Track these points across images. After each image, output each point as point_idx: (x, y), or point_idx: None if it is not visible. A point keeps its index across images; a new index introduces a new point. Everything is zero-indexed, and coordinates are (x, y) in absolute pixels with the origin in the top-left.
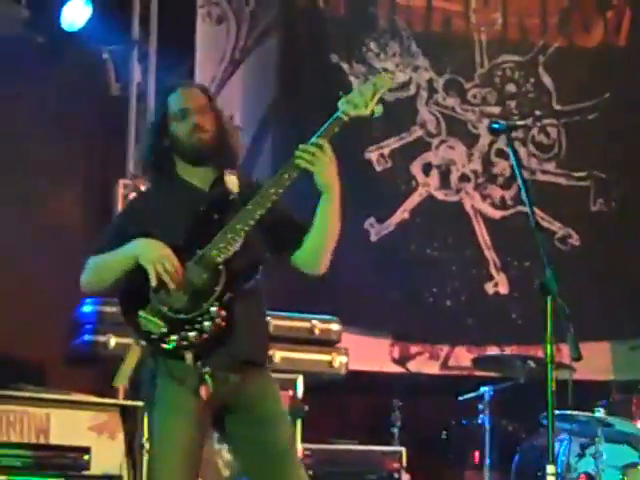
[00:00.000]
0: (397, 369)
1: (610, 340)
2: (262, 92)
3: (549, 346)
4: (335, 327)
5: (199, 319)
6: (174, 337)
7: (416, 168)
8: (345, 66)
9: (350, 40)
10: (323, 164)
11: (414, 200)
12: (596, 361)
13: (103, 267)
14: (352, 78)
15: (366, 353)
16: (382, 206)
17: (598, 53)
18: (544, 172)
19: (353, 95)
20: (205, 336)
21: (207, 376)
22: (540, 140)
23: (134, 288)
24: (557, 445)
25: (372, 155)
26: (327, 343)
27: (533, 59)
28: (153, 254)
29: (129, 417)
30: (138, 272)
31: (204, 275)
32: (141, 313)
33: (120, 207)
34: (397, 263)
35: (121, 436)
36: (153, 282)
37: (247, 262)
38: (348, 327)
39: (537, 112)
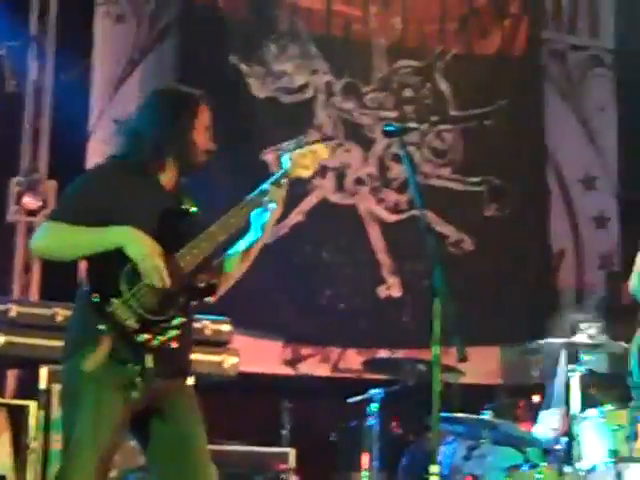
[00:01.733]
0: (288, 371)
1: (500, 344)
2: None
3: (436, 348)
4: (226, 328)
5: (165, 325)
6: (145, 335)
7: None
8: (244, 67)
9: (250, 41)
10: (279, 206)
11: (309, 203)
12: (485, 365)
13: (70, 242)
14: (251, 80)
15: (257, 355)
16: None
17: (495, 60)
18: (439, 177)
19: (299, 156)
20: (170, 344)
21: (140, 380)
22: (436, 145)
23: (106, 273)
24: (444, 447)
25: (269, 157)
26: (218, 344)
27: (431, 65)
28: (145, 249)
29: (16, 417)
30: (110, 258)
31: (174, 280)
32: (115, 303)
33: (13, 205)
34: (291, 265)
35: (7, 436)
36: (154, 280)
37: (206, 279)
38: (240, 329)
39: (433, 117)
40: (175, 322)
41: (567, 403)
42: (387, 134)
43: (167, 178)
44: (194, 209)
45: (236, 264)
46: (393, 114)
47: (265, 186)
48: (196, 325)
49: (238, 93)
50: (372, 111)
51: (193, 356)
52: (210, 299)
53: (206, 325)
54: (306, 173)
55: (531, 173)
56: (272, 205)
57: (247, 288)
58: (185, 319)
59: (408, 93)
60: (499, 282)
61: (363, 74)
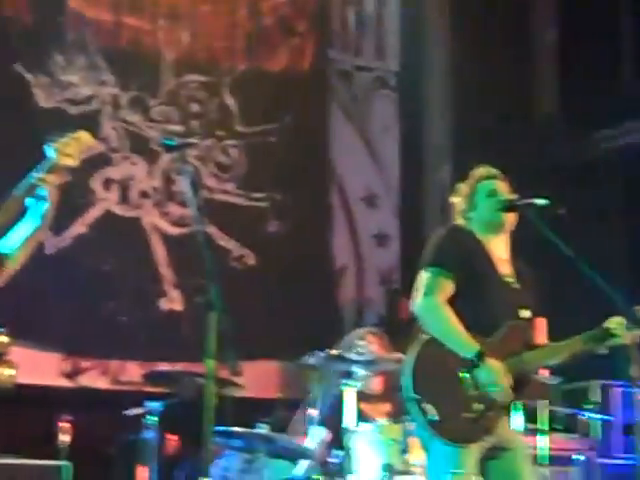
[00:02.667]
0: (67, 383)
1: (279, 359)
2: None
3: (209, 362)
4: (3, 339)
5: None
6: None
7: (96, 182)
8: (29, 77)
9: (36, 51)
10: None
11: (92, 214)
12: (265, 379)
13: None
14: (36, 90)
15: (36, 367)
16: (58, 219)
17: (282, 78)
18: (223, 192)
19: (62, 145)
20: None
21: None
22: (221, 160)
23: None
24: (220, 460)
25: None
26: None
27: (218, 80)
28: None
29: None
30: None
31: None
32: None
33: None
34: (72, 277)
35: None
36: None
37: None
38: (18, 340)
39: (219, 132)
40: None
41: (340, 417)
42: (166, 148)
43: None
44: None
45: (17, 257)
46: (179, 128)
47: (31, 178)
48: None
49: (22, 103)
50: (158, 124)
51: None
52: None
53: None
54: (71, 161)
55: (314, 190)
56: (44, 193)
57: (27, 298)
58: None
59: (195, 108)
60: (280, 297)
61: (150, 87)
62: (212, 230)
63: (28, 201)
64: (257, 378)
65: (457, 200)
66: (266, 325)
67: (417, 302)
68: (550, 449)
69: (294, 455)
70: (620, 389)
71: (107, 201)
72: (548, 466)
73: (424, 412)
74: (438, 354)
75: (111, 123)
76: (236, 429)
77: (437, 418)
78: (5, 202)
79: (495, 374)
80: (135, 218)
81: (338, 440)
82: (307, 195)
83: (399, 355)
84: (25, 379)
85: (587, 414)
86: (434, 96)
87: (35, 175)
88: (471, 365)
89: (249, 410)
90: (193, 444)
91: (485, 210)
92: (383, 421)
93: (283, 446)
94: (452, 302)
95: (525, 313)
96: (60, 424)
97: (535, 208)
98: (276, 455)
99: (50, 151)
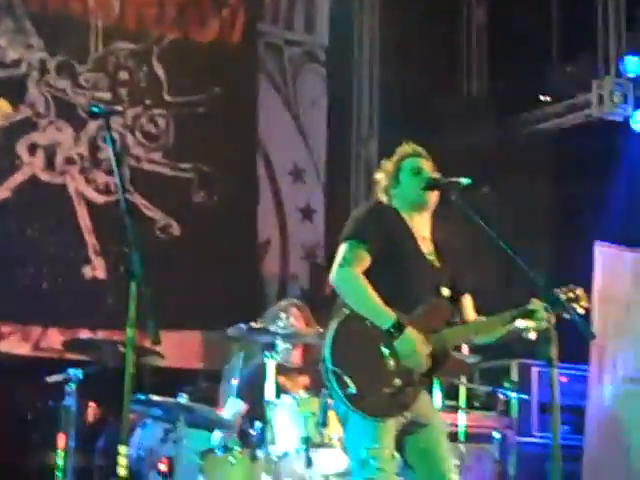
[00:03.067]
0: None
1: (202, 330)
2: None
3: (130, 330)
4: None
5: None
6: None
7: (21, 147)
8: None
9: None
10: None
11: (17, 179)
12: (187, 349)
13: None
14: None
15: None
16: None
17: (212, 48)
18: (150, 161)
19: None
20: None
21: None
22: (148, 129)
23: None
24: (141, 429)
25: None
26: None
27: (148, 49)
28: None
29: None
30: None
31: None
32: None
33: None
34: None
35: None
36: None
37: None
38: None
39: (147, 101)
40: None
41: (258, 389)
42: (92, 115)
43: None
44: None
45: None
46: (107, 95)
47: None
48: None
49: None
50: (86, 91)
51: None
52: None
53: None
54: None
55: (241, 163)
56: None
57: None
58: None
59: (123, 75)
60: (205, 268)
61: (79, 53)
62: (138, 199)
63: None
64: (179, 348)
65: (381, 177)
66: (190, 296)
67: (333, 273)
68: (468, 426)
69: (213, 425)
70: (538, 369)
71: (32, 166)
72: (466, 443)
73: (343, 385)
74: (359, 328)
75: (38, 88)
76: (155, 398)
77: (355, 392)
78: None
79: (413, 343)
80: (60, 184)
81: (256, 412)
82: (234, 167)
83: (320, 329)
84: None
85: (505, 393)
86: (362, 72)
87: None
88: (390, 336)
89: (171, 380)
90: (113, 412)
91: (408, 188)
92: (302, 394)
93: (202, 416)
94: (372, 278)
95: (445, 291)
96: None
97: (459, 187)
98: (195, 425)
99: None
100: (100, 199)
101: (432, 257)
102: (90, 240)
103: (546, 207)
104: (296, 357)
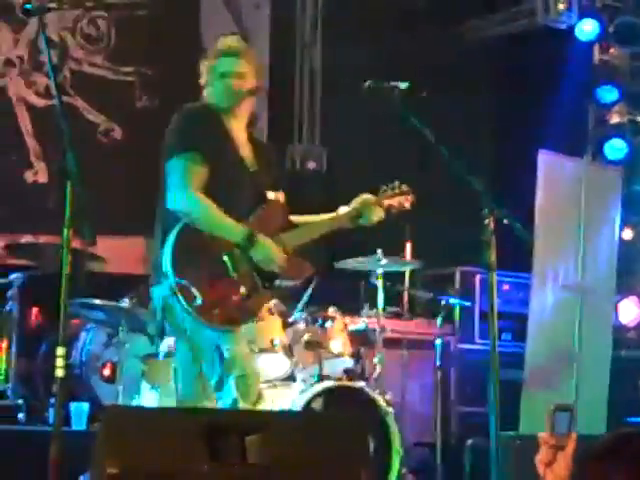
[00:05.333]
0: None
1: (144, 236)
2: None
3: (66, 232)
4: None
5: None
6: None
7: None
8: None
9: None
10: None
11: None
12: (130, 255)
13: None
14: None
15: None
16: None
17: None
18: (91, 64)
19: None
20: None
21: None
22: (89, 32)
23: None
24: (84, 334)
25: None
26: None
27: None
28: None
29: None
30: None
31: None
32: None
33: None
34: None
35: None
36: None
37: None
38: None
39: (88, 3)
40: None
41: None
42: (26, 13)
43: None
44: None
45: None
46: None
47: None
48: None
49: None
50: None
51: None
52: None
53: None
54: None
55: (183, 65)
56: None
57: None
58: None
59: None
60: (147, 173)
61: None
62: (79, 103)
63: None
64: (122, 254)
65: (201, 74)
66: (132, 201)
67: (173, 196)
68: (410, 333)
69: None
70: (481, 276)
71: None
72: (408, 350)
73: (188, 297)
74: (196, 239)
75: None
76: (97, 301)
77: (202, 303)
78: None
79: (269, 249)
80: (0, 87)
81: None
82: (176, 70)
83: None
84: None
85: (448, 299)
86: None
87: None
88: (244, 248)
89: (114, 286)
90: (56, 317)
91: (217, 92)
92: None
93: (145, 321)
94: (205, 188)
95: (271, 195)
96: None
97: (398, 91)
98: (138, 330)
99: None
100: (41, 102)
101: (250, 161)
102: (31, 144)
103: (488, 115)
104: None
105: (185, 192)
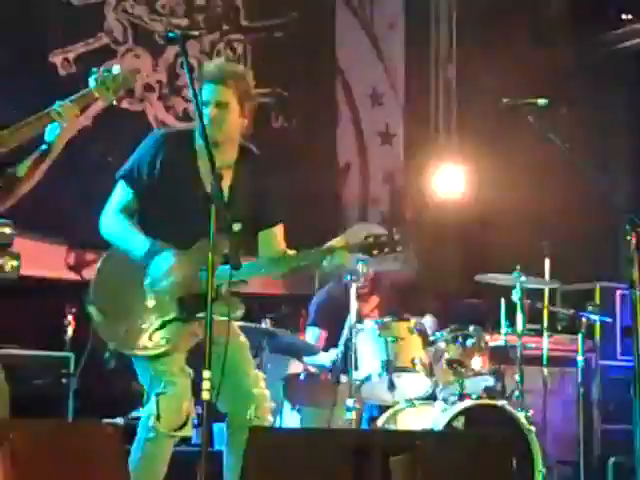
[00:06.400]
0: (72, 276)
1: None
2: None
3: (210, 255)
4: (7, 230)
5: None
6: None
7: None
8: None
9: None
10: (68, 123)
11: (97, 107)
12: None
13: None
14: None
15: (42, 259)
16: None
17: None
18: None
19: (106, 77)
20: None
21: None
22: (226, 55)
23: None
24: None
25: (57, 59)
26: None
27: None
28: None
29: None
30: None
31: None
32: None
33: None
34: (76, 170)
35: None
36: None
37: None
38: (24, 232)
39: (225, 27)
40: None
41: (336, 315)
42: (168, 41)
43: None
44: None
45: (26, 181)
46: (184, 22)
47: (64, 102)
48: None
49: None
50: (162, 17)
51: None
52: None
53: None
54: (107, 97)
55: (319, 86)
56: (64, 121)
57: (31, 190)
58: None
59: (200, 1)
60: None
61: None
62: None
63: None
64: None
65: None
66: None
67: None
68: (551, 350)
69: (296, 351)
70: (622, 292)
71: None
72: (549, 367)
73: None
74: (119, 264)
75: (115, 15)
76: (240, 323)
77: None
78: (17, 125)
79: (167, 264)
80: (139, 111)
81: (335, 337)
82: (312, 91)
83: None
84: (31, 271)
85: (588, 316)
86: None
87: (61, 104)
88: (147, 262)
89: (253, 305)
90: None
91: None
92: (386, 318)
93: (287, 342)
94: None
95: (235, 226)
96: (65, 316)
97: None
98: (279, 350)
99: (91, 80)
100: (180, 126)
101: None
102: None
103: (629, 130)
104: (367, 280)
105: (104, 215)
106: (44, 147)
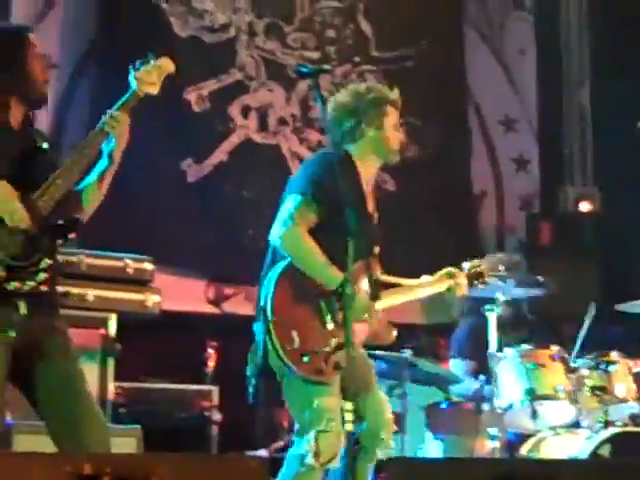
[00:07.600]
0: (212, 310)
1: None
2: (82, 27)
3: (344, 287)
4: (148, 266)
5: (32, 269)
6: (14, 282)
7: (234, 110)
8: (164, 5)
9: None
10: (121, 133)
11: (232, 142)
12: (407, 304)
13: None
14: (173, 18)
15: (181, 293)
16: (200, 147)
17: (416, 1)
18: None
19: (145, 73)
20: (40, 287)
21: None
22: None
23: None
24: None
25: (191, 96)
26: (140, 282)
27: (352, 5)
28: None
29: None
30: None
31: (34, 222)
32: None
33: None
34: (214, 205)
35: None
36: (14, 223)
37: (66, 218)
38: (164, 267)
39: (356, 58)
40: (42, 265)
41: (480, 344)
42: (300, 75)
43: (14, 117)
44: (45, 146)
45: (91, 196)
46: (316, 55)
47: (112, 111)
48: (118, 264)
49: (160, 32)
50: (294, 51)
51: (116, 294)
52: (72, 235)
53: (128, 264)
54: (153, 89)
55: (452, 114)
56: (117, 132)
57: (170, 226)
58: (51, 261)
59: (330, 34)
60: (421, 223)
61: (285, 14)
62: None
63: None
64: (401, 305)
65: (341, 114)
66: (406, 249)
67: (278, 230)
68: None
69: (439, 381)
70: None
71: (246, 129)
72: None
73: (285, 339)
74: (299, 280)
75: (247, 51)
76: (380, 353)
77: (297, 347)
78: (86, 139)
79: (362, 299)
80: (274, 145)
81: (481, 366)
82: (445, 119)
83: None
84: (171, 306)
85: None
86: (571, 17)
87: (108, 112)
88: (334, 295)
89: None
90: None
91: (369, 142)
92: (526, 346)
93: (427, 371)
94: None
95: (376, 249)
96: (205, 349)
97: None
98: (419, 380)
99: (133, 82)
100: None
101: (373, 213)
102: None
103: None
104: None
105: (287, 227)
106: (106, 162)
